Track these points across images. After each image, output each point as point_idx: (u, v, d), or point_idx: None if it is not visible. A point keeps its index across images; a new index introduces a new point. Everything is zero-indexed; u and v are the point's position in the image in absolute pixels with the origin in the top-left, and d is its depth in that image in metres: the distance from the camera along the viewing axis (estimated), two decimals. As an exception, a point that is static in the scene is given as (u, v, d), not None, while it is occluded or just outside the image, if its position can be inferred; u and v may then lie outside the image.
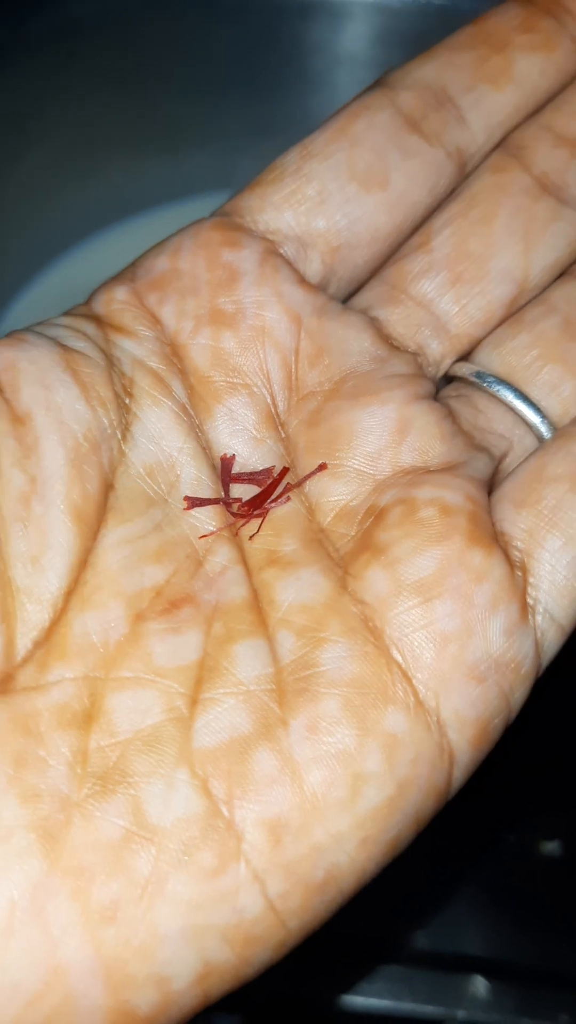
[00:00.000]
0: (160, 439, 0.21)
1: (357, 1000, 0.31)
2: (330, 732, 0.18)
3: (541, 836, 0.35)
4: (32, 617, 0.19)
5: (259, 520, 0.21)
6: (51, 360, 0.20)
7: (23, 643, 0.19)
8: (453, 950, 0.33)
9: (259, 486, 0.21)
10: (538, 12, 0.25)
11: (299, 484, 0.21)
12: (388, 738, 0.18)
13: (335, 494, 0.21)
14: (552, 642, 0.20)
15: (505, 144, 0.24)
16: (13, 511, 0.19)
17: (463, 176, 0.24)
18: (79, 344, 0.21)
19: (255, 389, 0.22)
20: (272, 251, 0.23)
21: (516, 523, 0.20)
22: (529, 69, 0.24)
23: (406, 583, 0.19)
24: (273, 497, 0.21)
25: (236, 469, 0.21)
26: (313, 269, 0.23)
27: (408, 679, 0.19)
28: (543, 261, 0.23)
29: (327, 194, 0.23)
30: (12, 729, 0.18)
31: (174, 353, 0.22)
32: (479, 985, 0.32)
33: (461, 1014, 0.31)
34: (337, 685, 0.19)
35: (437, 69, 0.24)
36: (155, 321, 0.22)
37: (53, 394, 0.20)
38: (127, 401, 0.21)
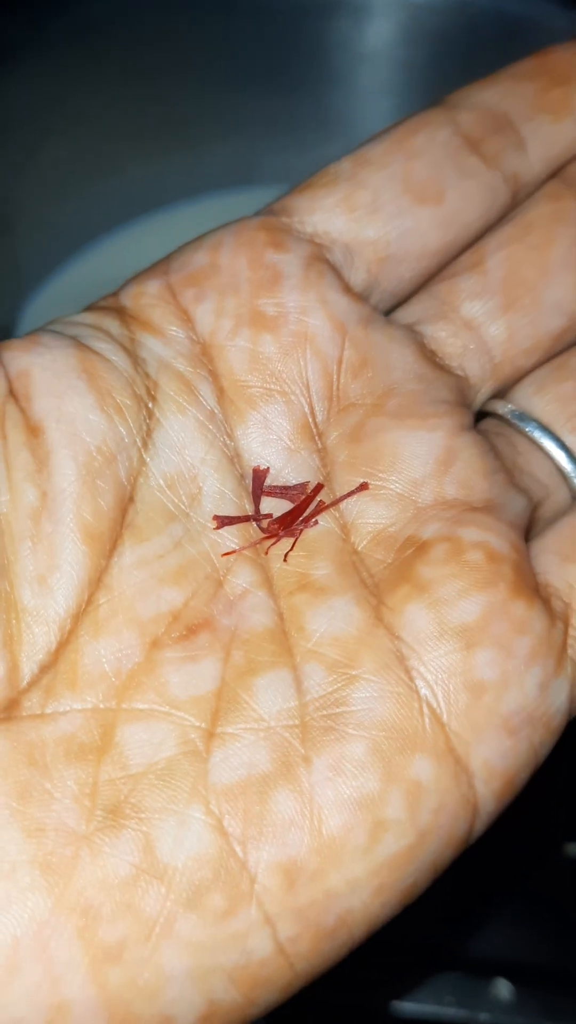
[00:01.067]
0: (183, 448, 0.20)
1: (379, 1002, 0.31)
2: (354, 776, 0.18)
3: (565, 838, 0.34)
4: (38, 640, 0.18)
5: (287, 539, 0.20)
6: (66, 365, 0.19)
7: (28, 667, 0.18)
8: (476, 953, 0.33)
9: (292, 502, 0.20)
10: None
11: (337, 503, 0.20)
12: (413, 785, 0.18)
13: (373, 517, 0.20)
14: None
15: (562, 174, 0.24)
16: (23, 528, 0.18)
17: (515, 204, 0.24)
18: (101, 345, 0.20)
19: (293, 397, 0.21)
20: (318, 256, 0.22)
21: (561, 576, 0.20)
22: None
23: (449, 625, 0.19)
24: (306, 515, 0.20)
25: (268, 481, 0.20)
26: (358, 278, 0.22)
27: (440, 725, 0.18)
28: None
29: (380, 203, 0.22)
30: (16, 759, 0.17)
31: (206, 354, 0.21)
32: (503, 988, 0.31)
33: (484, 1017, 0.31)
34: (366, 727, 0.18)
35: (499, 94, 0.24)
36: (187, 319, 0.21)
37: (66, 403, 0.19)
38: (150, 406, 0.20)
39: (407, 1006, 0.31)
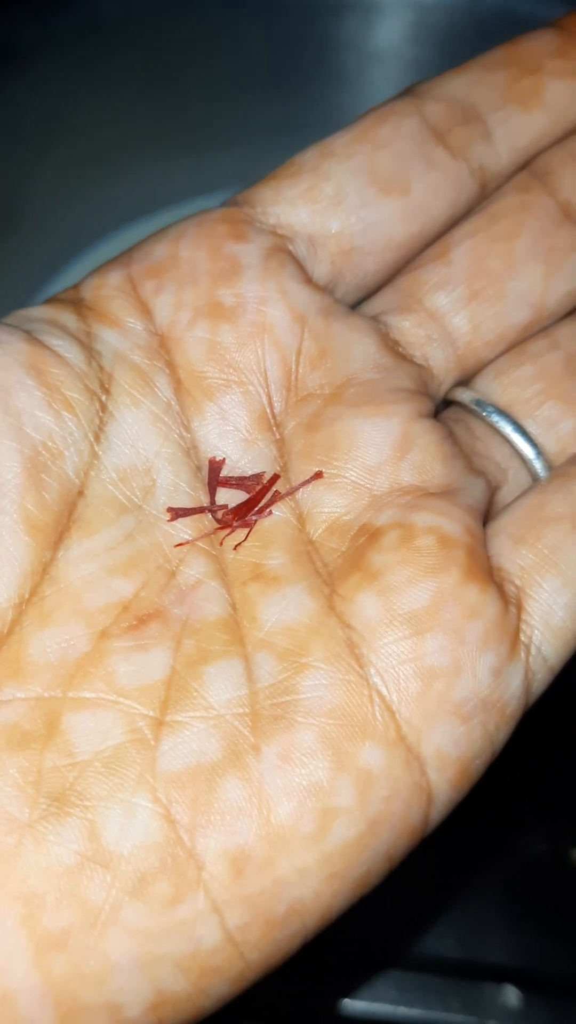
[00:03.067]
0: (137, 441, 0.20)
1: (387, 1008, 0.30)
2: (303, 763, 0.17)
3: (571, 844, 0.34)
4: None
5: (243, 530, 0.20)
6: (15, 360, 0.19)
7: None
8: (484, 960, 0.33)
9: (247, 492, 0.20)
10: (573, 39, 0.24)
11: (291, 492, 0.20)
12: (363, 773, 0.18)
13: (328, 505, 0.20)
14: (541, 683, 0.20)
15: (531, 167, 0.24)
16: None
17: (483, 196, 0.24)
18: (54, 340, 0.20)
19: (250, 388, 0.21)
20: (280, 247, 0.22)
21: (514, 559, 0.20)
22: (560, 95, 0.24)
23: (398, 613, 0.18)
24: (261, 506, 0.20)
25: (225, 473, 0.20)
26: (321, 270, 0.22)
27: (390, 713, 0.18)
28: (561, 290, 0.23)
29: (344, 195, 0.22)
30: None
31: (163, 346, 0.21)
32: (511, 995, 0.31)
33: (492, 1024, 0.30)
34: (315, 715, 0.18)
35: (467, 85, 0.23)
36: (145, 311, 0.21)
37: (13, 399, 0.19)
38: (104, 399, 0.20)
39: (415, 1013, 0.30)
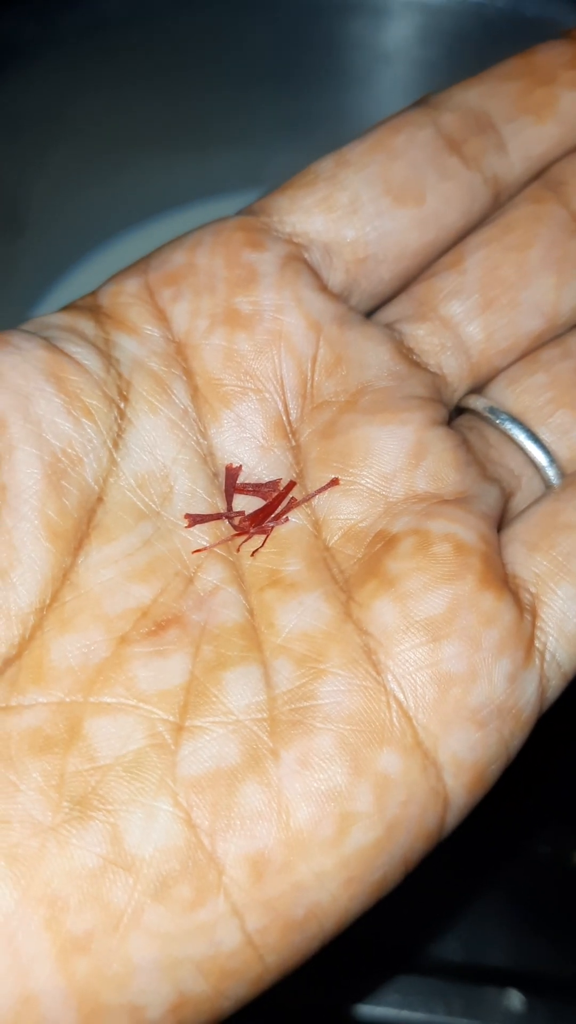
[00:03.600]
0: (155, 448, 0.20)
1: (390, 1012, 0.31)
2: (322, 769, 0.18)
3: (574, 847, 0.34)
4: (0, 633, 0.18)
5: (260, 536, 0.20)
6: (35, 367, 0.19)
7: None
8: (488, 963, 0.33)
9: (264, 499, 0.20)
10: None
11: (307, 499, 0.20)
12: (380, 778, 0.18)
13: (344, 512, 0.20)
14: (555, 688, 0.20)
15: (544, 177, 0.24)
16: None
17: (497, 206, 0.24)
18: (73, 347, 0.20)
19: (267, 395, 0.21)
20: (295, 256, 0.22)
21: (528, 567, 0.20)
22: (573, 105, 0.24)
23: (415, 619, 0.19)
24: (277, 512, 0.20)
25: (242, 479, 0.21)
26: (336, 278, 0.23)
27: (408, 719, 0.18)
28: (573, 299, 0.23)
29: (359, 204, 0.22)
30: None
31: (181, 353, 0.21)
32: (514, 999, 0.31)
33: (495, 1028, 0.31)
34: (333, 720, 0.18)
35: (481, 95, 0.24)
36: (163, 318, 0.21)
37: (33, 405, 0.19)
38: (122, 406, 0.20)
39: (419, 1016, 0.31)
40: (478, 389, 0.23)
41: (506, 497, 0.22)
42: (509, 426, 0.23)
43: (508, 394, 0.23)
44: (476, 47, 0.39)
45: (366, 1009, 0.30)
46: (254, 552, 0.20)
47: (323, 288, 0.22)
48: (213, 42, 0.40)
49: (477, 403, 0.23)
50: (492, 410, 0.23)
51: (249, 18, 0.40)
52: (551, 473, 0.22)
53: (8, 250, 0.41)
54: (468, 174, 0.23)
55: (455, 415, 0.23)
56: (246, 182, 0.40)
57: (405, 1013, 0.30)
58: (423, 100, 0.24)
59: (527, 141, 0.24)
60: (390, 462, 0.21)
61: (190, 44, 0.40)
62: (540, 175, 0.24)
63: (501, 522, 0.21)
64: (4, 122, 0.39)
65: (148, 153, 0.41)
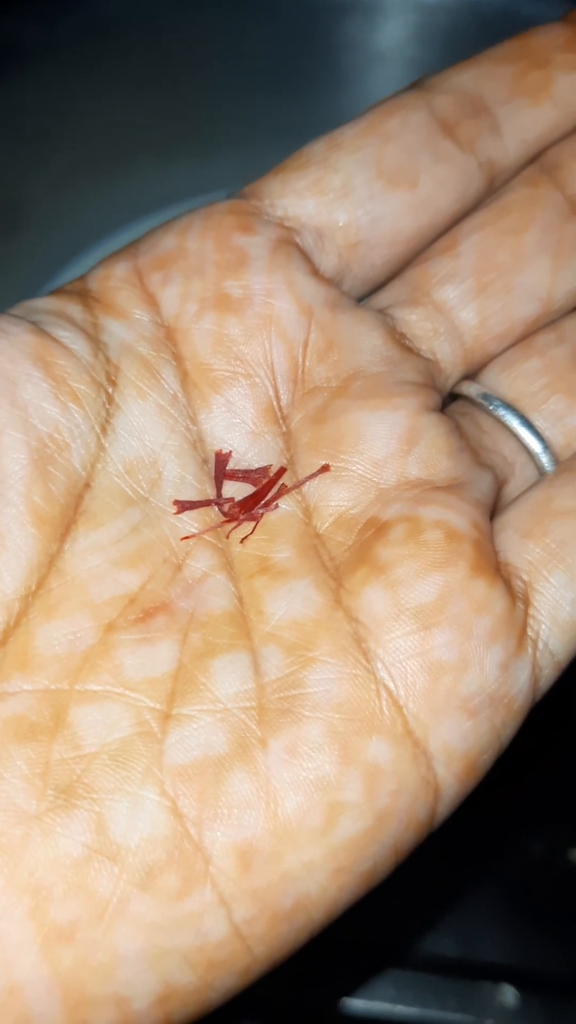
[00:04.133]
0: (143, 434, 0.20)
1: (383, 1007, 0.30)
2: (310, 757, 0.17)
3: (569, 844, 0.34)
4: None
5: (249, 523, 0.20)
6: (21, 352, 0.19)
7: None
8: (481, 959, 0.33)
9: (254, 485, 0.20)
10: None
11: (298, 486, 0.20)
12: (370, 768, 0.18)
13: (335, 499, 0.20)
14: (548, 677, 0.20)
15: (540, 161, 0.24)
16: None
17: (491, 191, 0.23)
18: (61, 331, 0.20)
19: (257, 380, 0.21)
20: (287, 239, 0.22)
21: (521, 554, 0.20)
22: (568, 88, 0.24)
23: (405, 607, 0.18)
24: (267, 499, 0.20)
25: (231, 465, 0.20)
26: (328, 263, 0.22)
27: (398, 707, 0.18)
28: (569, 284, 0.23)
29: (352, 187, 0.22)
30: None
31: (170, 338, 0.21)
32: (508, 994, 0.31)
33: (489, 1023, 0.30)
34: (322, 708, 0.18)
35: (476, 78, 0.23)
36: (152, 302, 0.21)
37: (20, 390, 0.19)
38: (110, 391, 0.20)
39: (412, 1011, 0.31)
40: (472, 375, 0.23)
41: (499, 484, 0.21)
42: (503, 412, 0.22)
43: (502, 380, 0.23)
44: (472, 46, 0.38)
45: (359, 1004, 0.30)
46: (243, 539, 0.20)
47: (315, 272, 0.22)
48: (210, 44, 0.40)
49: (471, 389, 0.23)
50: (486, 396, 0.23)
51: (246, 20, 0.39)
52: (545, 460, 0.22)
53: (6, 248, 0.40)
54: (462, 157, 0.23)
55: (449, 401, 0.23)
56: (243, 181, 0.40)
57: (399, 1008, 0.30)
58: (417, 83, 0.24)
59: (522, 124, 0.23)
60: (382, 448, 0.20)
61: (187, 46, 0.40)
62: (536, 159, 0.24)
63: (495, 509, 0.21)
64: (3, 121, 0.39)
65: (145, 152, 0.41)
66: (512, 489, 0.22)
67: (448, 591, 0.19)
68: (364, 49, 0.40)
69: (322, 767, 0.17)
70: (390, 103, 0.23)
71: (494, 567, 0.19)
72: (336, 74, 0.41)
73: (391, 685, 0.18)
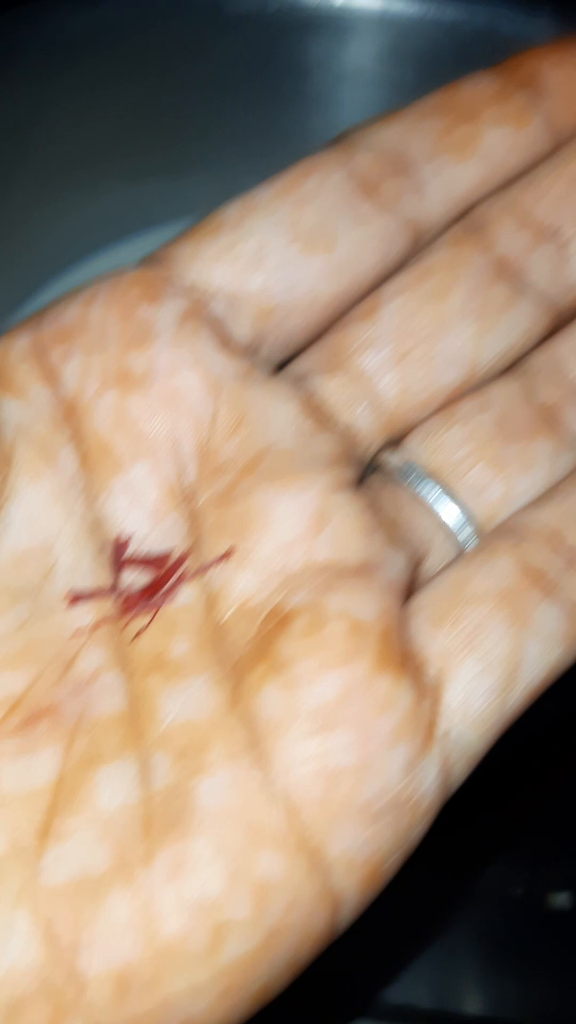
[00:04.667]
0: (36, 521, 0.19)
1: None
2: (196, 875, 0.16)
3: (550, 888, 0.33)
4: None
5: (149, 613, 0.19)
6: None
7: None
8: (458, 1008, 0.32)
9: (154, 572, 0.19)
10: (513, 84, 0.23)
11: (200, 572, 0.19)
12: (261, 883, 0.17)
13: (239, 585, 0.19)
14: (461, 772, 0.19)
15: (467, 218, 0.23)
16: None
17: (417, 248, 0.22)
18: None
19: (160, 458, 0.20)
20: (196, 309, 0.21)
21: (433, 641, 0.19)
22: (497, 143, 0.23)
23: (302, 708, 0.18)
24: (167, 588, 0.19)
25: (132, 550, 0.19)
26: (243, 330, 0.21)
27: (292, 816, 0.17)
28: (493, 350, 0.22)
29: (265, 252, 0.21)
30: None
31: (70, 416, 0.20)
32: (484, 1049, 0.30)
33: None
34: (210, 821, 0.17)
35: (400, 134, 0.22)
36: (52, 377, 0.20)
37: None
38: (2, 476, 0.19)
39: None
40: (394, 442, 0.22)
41: (415, 563, 0.20)
42: (422, 485, 0.21)
43: (423, 449, 0.22)
44: (450, 66, 0.37)
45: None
46: (138, 633, 0.19)
47: (224, 344, 0.21)
48: (179, 63, 0.39)
49: (391, 459, 0.22)
50: (405, 467, 0.22)
51: (214, 39, 0.38)
52: (465, 535, 0.21)
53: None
54: (383, 218, 0.22)
55: (370, 470, 0.22)
56: (215, 202, 0.39)
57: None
58: (339, 139, 0.23)
59: (447, 181, 0.22)
60: (289, 530, 0.19)
61: (156, 65, 0.39)
62: (464, 215, 0.23)
63: (411, 588, 0.20)
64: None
65: (115, 175, 0.40)
66: (431, 566, 0.21)
67: (349, 689, 0.18)
68: (336, 68, 0.39)
69: (208, 885, 0.17)
70: (308, 162, 0.22)
71: (401, 659, 0.18)
72: (305, 93, 0.40)
73: (286, 792, 0.17)
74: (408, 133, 0.22)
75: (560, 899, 0.33)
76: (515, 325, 0.22)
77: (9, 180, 0.39)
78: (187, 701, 0.18)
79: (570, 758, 0.33)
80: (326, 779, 0.17)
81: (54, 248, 0.41)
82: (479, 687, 0.18)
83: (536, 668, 0.19)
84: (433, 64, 0.38)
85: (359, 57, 0.39)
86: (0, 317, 0.40)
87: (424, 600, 0.19)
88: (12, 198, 0.39)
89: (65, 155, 0.39)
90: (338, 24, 0.38)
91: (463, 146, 0.22)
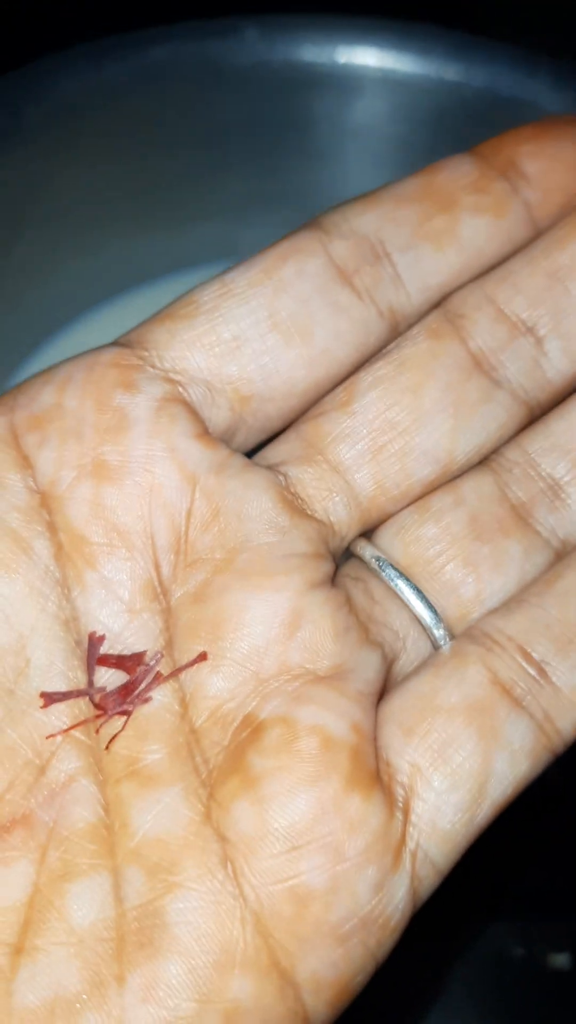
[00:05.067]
0: (10, 616, 0.19)
1: None
2: (168, 998, 0.17)
3: (550, 948, 0.33)
4: None
5: (123, 715, 0.19)
6: None
7: None
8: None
9: (128, 673, 0.19)
10: (491, 172, 0.23)
11: (173, 675, 0.19)
12: (232, 1005, 0.17)
13: (212, 689, 0.19)
14: (429, 887, 0.19)
15: (444, 307, 0.23)
16: None
17: (395, 334, 0.22)
18: None
19: (136, 552, 0.20)
20: (172, 397, 0.21)
21: (402, 755, 0.19)
22: (475, 233, 0.22)
23: (273, 826, 0.18)
24: (141, 690, 0.19)
25: (106, 647, 0.19)
26: (220, 416, 0.21)
27: (264, 938, 0.17)
28: (469, 444, 0.22)
29: (243, 340, 0.21)
30: None
31: (45, 506, 0.20)
32: None
33: None
34: (182, 942, 0.17)
35: (377, 220, 0.22)
36: (27, 465, 0.20)
37: None
38: None
39: None
40: (369, 533, 0.22)
41: (388, 662, 0.21)
42: (396, 581, 0.21)
43: (397, 544, 0.22)
44: (454, 124, 0.37)
45: None
46: (111, 740, 0.19)
47: (201, 434, 0.21)
48: (182, 119, 0.39)
49: (365, 552, 0.22)
50: (379, 561, 0.22)
51: (220, 94, 0.38)
52: (438, 634, 0.21)
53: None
54: (361, 307, 0.22)
55: (344, 559, 0.22)
56: (219, 255, 0.39)
57: None
58: (315, 223, 0.22)
59: (425, 271, 0.22)
60: (262, 633, 0.19)
61: (159, 121, 0.38)
62: (442, 301, 0.23)
63: (385, 687, 0.20)
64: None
65: (121, 229, 0.40)
66: (405, 663, 0.21)
67: (320, 809, 0.18)
68: (338, 124, 0.39)
69: (180, 1007, 0.17)
70: (285, 246, 0.22)
71: (371, 777, 0.18)
72: (310, 148, 0.40)
73: (257, 913, 0.17)
74: (385, 220, 0.22)
75: (560, 959, 0.33)
76: (490, 420, 0.22)
77: (11, 238, 0.39)
78: (160, 813, 0.18)
79: (567, 818, 0.33)
80: (296, 901, 0.17)
81: (55, 303, 0.41)
82: (448, 801, 0.19)
83: (504, 782, 0.19)
84: (435, 121, 0.38)
85: (361, 114, 0.38)
86: (9, 369, 0.40)
87: (396, 706, 0.20)
88: (14, 254, 0.39)
89: (71, 213, 0.39)
90: (341, 81, 0.38)
91: (441, 236, 0.22)
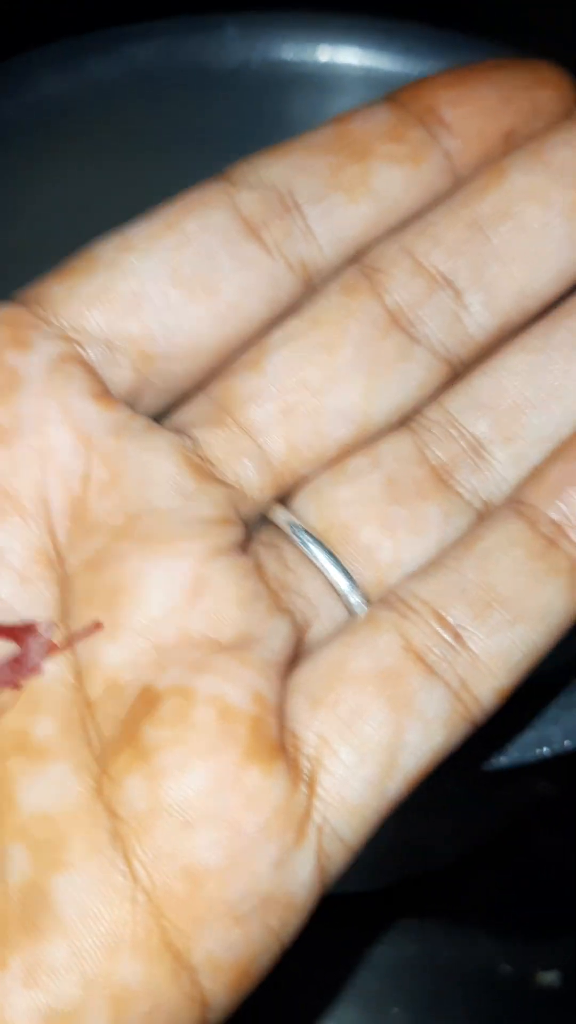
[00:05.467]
0: None
1: None
2: (51, 982, 0.16)
3: (538, 966, 0.32)
4: None
5: (14, 688, 0.18)
6: None
7: None
8: None
9: (18, 644, 0.18)
10: (409, 119, 0.22)
11: (68, 646, 0.18)
12: (120, 990, 0.16)
13: (109, 660, 0.18)
14: (338, 864, 0.18)
15: (360, 261, 0.21)
16: None
17: (310, 289, 0.21)
18: None
19: (29, 519, 0.18)
20: (68, 356, 0.19)
21: (309, 726, 0.18)
22: (390, 183, 0.21)
23: (166, 802, 0.17)
24: (32, 662, 0.18)
25: None
26: (122, 377, 0.20)
27: (155, 918, 0.16)
28: (385, 404, 0.21)
29: (144, 296, 0.20)
30: None
31: None
32: None
33: None
34: (67, 924, 0.16)
35: (287, 171, 0.21)
36: None
37: None
38: None
39: None
40: (284, 498, 0.21)
41: (300, 631, 0.19)
42: (308, 546, 0.20)
43: (311, 508, 0.21)
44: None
45: None
46: (1, 711, 0.18)
47: (100, 394, 0.19)
48: (165, 123, 0.38)
49: (279, 517, 0.21)
50: (293, 526, 0.20)
51: (202, 99, 0.38)
52: (353, 600, 0.20)
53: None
54: (270, 261, 0.21)
55: (259, 525, 0.21)
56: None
57: None
58: (224, 175, 0.21)
59: (338, 223, 0.21)
60: (162, 601, 0.18)
61: (142, 125, 0.38)
62: (358, 255, 0.22)
63: (296, 656, 0.19)
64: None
65: (107, 226, 0.40)
66: (320, 630, 0.20)
67: (216, 783, 0.17)
68: (318, 124, 0.39)
69: (64, 993, 0.16)
70: (189, 198, 0.21)
71: (273, 749, 0.17)
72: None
73: (148, 892, 0.16)
74: (295, 171, 0.21)
75: (548, 977, 0.32)
76: (408, 378, 0.21)
77: (4, 248, 0.39)
78: (48, 789, 0.17)
79: (554, 836, 0.32)
80: (190, 879, 0.16)
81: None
82: (356, 775, 0.18)
83: (417, 754, 0.18)
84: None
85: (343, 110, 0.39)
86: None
87: (305, 676, 0.18)
88: (3, 264, 0.39)
89: (54, 218, 0.39)
90: (322, 80, 0.37)
91: (354, 186, 0.21)
